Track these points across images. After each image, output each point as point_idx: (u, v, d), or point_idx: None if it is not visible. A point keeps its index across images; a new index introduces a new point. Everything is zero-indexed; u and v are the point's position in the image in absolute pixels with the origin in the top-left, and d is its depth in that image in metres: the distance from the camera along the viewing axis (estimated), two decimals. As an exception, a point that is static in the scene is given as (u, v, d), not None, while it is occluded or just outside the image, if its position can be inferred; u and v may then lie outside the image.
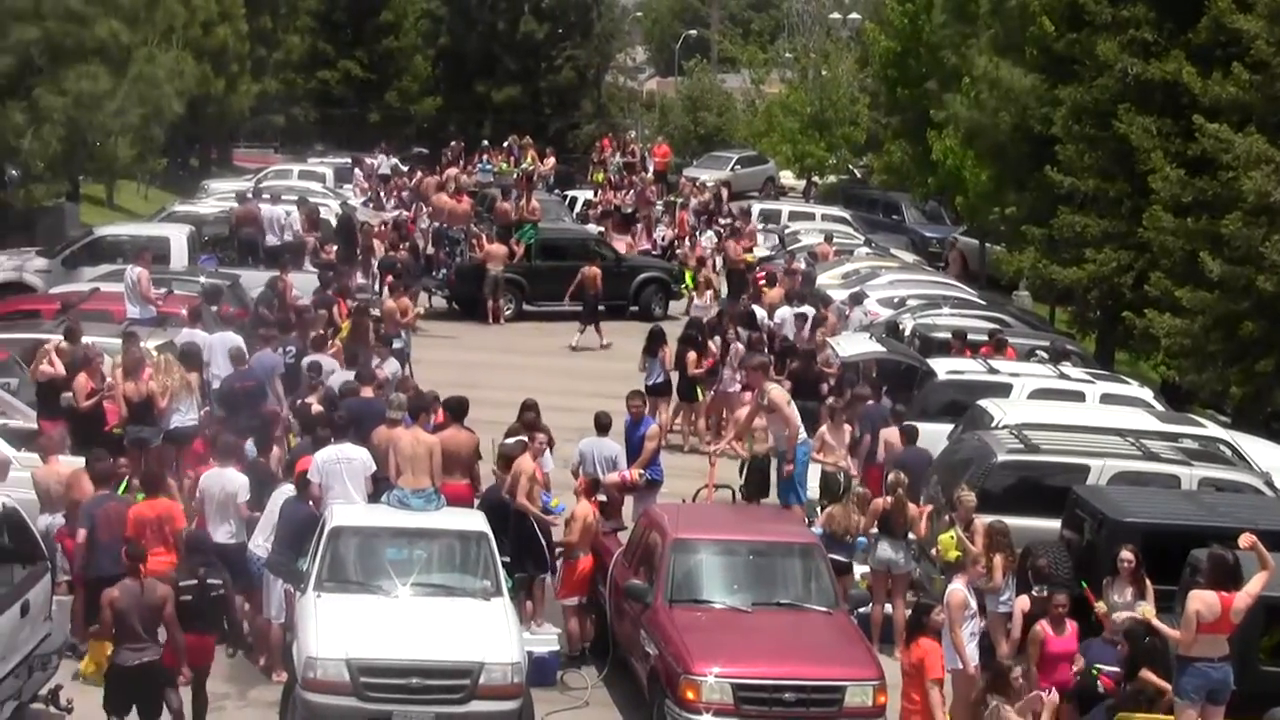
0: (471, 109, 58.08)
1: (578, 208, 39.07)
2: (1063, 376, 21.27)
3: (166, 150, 39.23)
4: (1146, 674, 12.43)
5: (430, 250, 31.09)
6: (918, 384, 20.95)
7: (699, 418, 22.29)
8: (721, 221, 36.96)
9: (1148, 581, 13.47)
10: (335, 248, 28.59)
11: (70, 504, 13.94)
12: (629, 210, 37.54)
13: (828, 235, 34.72)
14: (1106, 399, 20.49)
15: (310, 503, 14.00)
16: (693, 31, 71.99)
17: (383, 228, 31.84)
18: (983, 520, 14.58)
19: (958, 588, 13.15)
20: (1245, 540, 11.97)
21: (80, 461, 14.47)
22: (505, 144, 45.57)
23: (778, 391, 17.93)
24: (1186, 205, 23.81)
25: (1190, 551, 13.30)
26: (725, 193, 40.66)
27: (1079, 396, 20.31)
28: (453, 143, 46.40)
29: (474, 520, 13.93)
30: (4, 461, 14.97)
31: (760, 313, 24.76)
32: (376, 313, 22.60)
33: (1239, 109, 22.91)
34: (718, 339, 22.63)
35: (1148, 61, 25.89)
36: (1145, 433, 17.75)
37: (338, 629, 12.30)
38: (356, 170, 42.99)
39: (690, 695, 12.35)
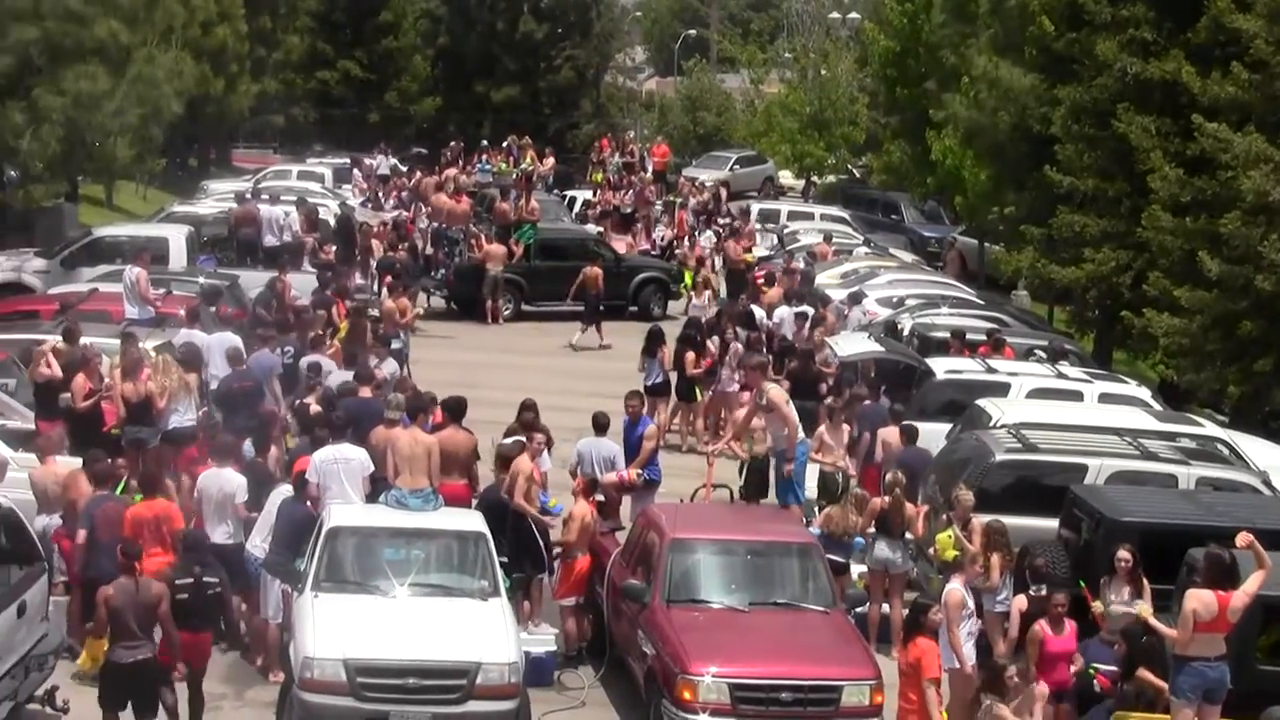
0: (471, 109, 58.10)
1: (577, 208, 39.08)
2: (1061, 376, 21.28)
3: (165, 151, 39.24)
4: (1144, 673, 12.43)
5: (429, 250, 31.12)
6: (916, 383, 20.96)
7: (697, 417, 22.30)
8: (720, 221, 36.97)
9: (1145, 581, 13.48)
10: (334, 248, 28.60)
11: (67, 504, 13.94)
12: (628, 210, 37.56)
13: (827, 235, 34.73)
14: (1104, 398, 20.49)
15: (308, 503, 14.00)
16: (692, 31, 72.01)
17: (382, 228, 31.85)
18: (980, 519, 14.58)
19: (955, 587, 13.15)
20: (1242, 539, 11.96)
21: (78, 462, 14.47)
22: (504, 144, 45.61)
23: (776, 391, 17.93)
24: (1185, 205, 23.81)
25: (1187, 551, 13.29)
26: (724, 193, 40.67)
27: (1077, 396, 20.31)
28: (452, 143, 46.44)
29: (472, 520, 13.92)
30: (1, 462, 14.96)
31: (759, 312, 24.77)
32: (374, 313, 22.61)
33: (1238, 108, 22.91)
34: (716, 339, 22.64)
35: (1147, 61, 25.89)
36: (1143, 432, 17.75)
37: (335, 629, 12.30)
38: (355, 171, 43.00)
39: (687, 695, 12.35)
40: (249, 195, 31.68)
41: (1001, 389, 20.08)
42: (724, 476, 17.85)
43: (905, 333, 24.52)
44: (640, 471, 16.62)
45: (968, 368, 21.20)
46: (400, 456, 14.47)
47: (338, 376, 18.01)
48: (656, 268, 32.28)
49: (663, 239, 35.80)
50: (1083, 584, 13.84)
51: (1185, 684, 11.86)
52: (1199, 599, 11.86)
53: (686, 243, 35.14)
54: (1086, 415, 18.87)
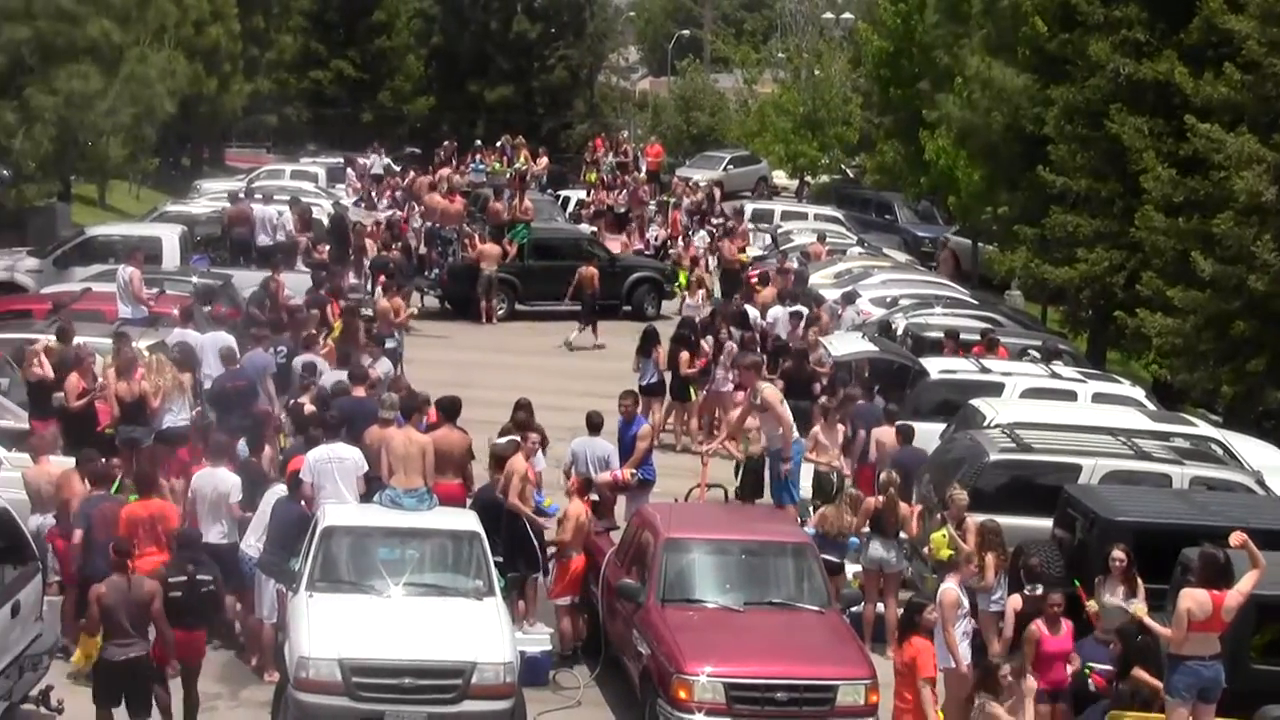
0: (464, 109, 58.08)
1: (570, 207, 39.07)
2: (1055, 376, 21.30)
3: (158, 150, 39.18)
4: (1139, 673, 12.44)
5: (423, 250, 31.09)
6: (910, 383, 20.98)
7: (692, 417, 22.31)
8: (714, 221, 36.97)
9: (1139, 580, 13.50)
10: (328, 248, 28.57)
11: (60, 504, 13.92)
12: (622, 210, 37.56)
13: (820, 235, 34.73)
14: (1098, 398, 20.51)
15: (302, 502, 13.98)
16: (685, 31, 72.00)
17: (375, 228, 31.84)
18: (975, 519, 14.59)
19: (950, 587, 13.15)
20: (1236, 539, 11.97)
21: (71, 462, 14.44)
22: (498, 144, 45.56)
23: (770, 390, 17.92)
24: (1178, 205, 23.85)
25: (1182, 550, 13.31)
26: (718, 193, 40.67)
27: (1071, 396, 20.34)
28: (445, 142, 46.39)
29: (467, 520, 13.91)
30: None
31: (753, 312, 24.78)
32: (368, 313, 22.60)
33: (1230, 109, 22.95)
34: (710, 338, 22.64)
35: (1139, 61, 25.93)
36: (1137, 432, 17.76)
37: (330, 629, 12.29)
38: (349, 170, 42.96)
39: (682, 694, 12.35)
40: (242, 195, 31.66)
41: (995, 389, 20.10)
42: (718, 476, 17.85)
43: (899, 333, 24.53)
44: (634, 471, 16.62)
45: (962, 368, 21.22)
46: (395, 456, 14.46)
47: (330, 376, 18.01)
48: (650, 268, 32.29)
49: (656, 239, 35.80)
50: (1077, 583, 13.85)
51: (1180, 683, 11.87)
52: (1193, 598, 11.87)
53: (681, 243, 35.15)
54: (1080, 415, 18.89)
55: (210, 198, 35.04)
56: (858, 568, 15.79)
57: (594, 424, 16.50)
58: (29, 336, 18.41)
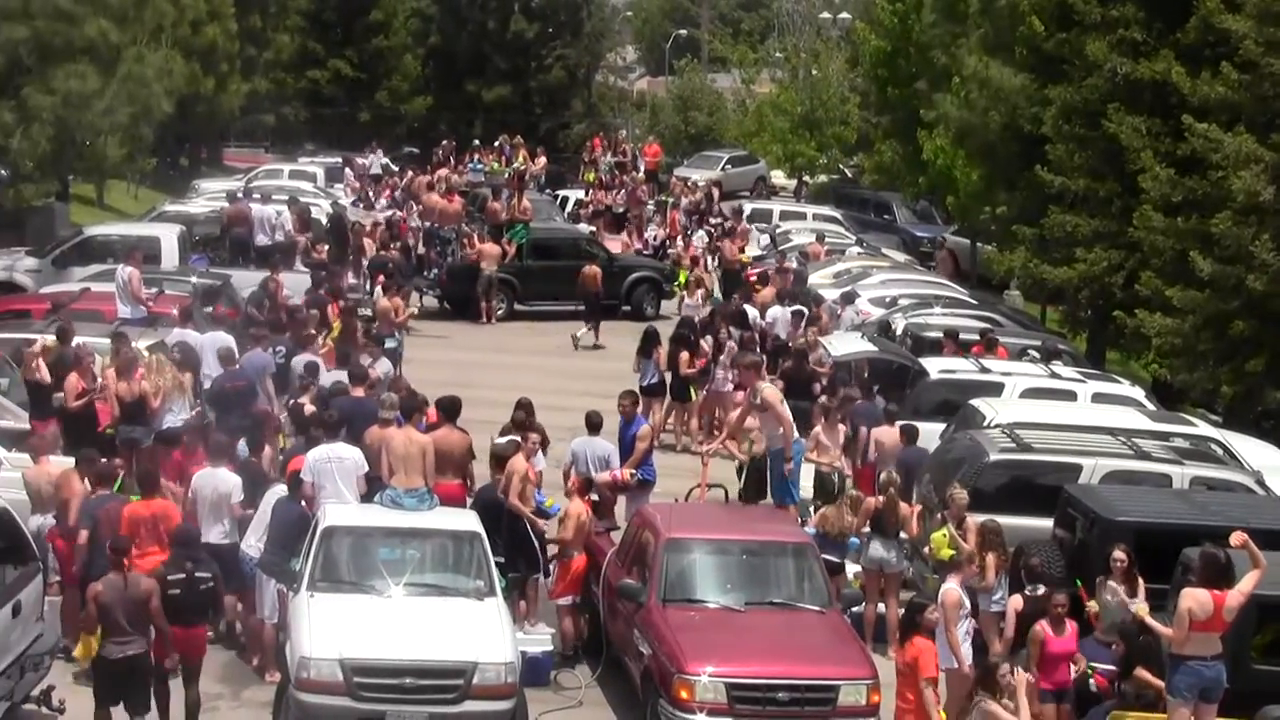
0: (462, 108, 58.06)
1: (569, 207, 39.08)
2: (1054, 376, 21.31)
3: (156, 150, 39.15)
4: (1141, 673, 12.45)
5: (422, 250, 31.08)
6: (910, 383, 20.98)
7: (691, 417, 22.30)
8: (713, 221, 36.97)
9: (1140, 580, 13.50)
10: (326, 248, 28.56)
11: (60, 504, 13.90)
12: (620, 210, 37.55)
13: (819, 235, 34.72)
14: (1098, 398, 20.52)
15: (302, 503, 13.98)
16: (683, 31, 71.99)
17: (374, 228, 31.83)
18: (975, 519, 14.59)
19: (952, 587, 13.15)
20: (1237, 539, 11.98)
21: (71, 462, 14.43)
22: (496, 143, 45.56)
23: (770, 390, 17.91)
24: (1176, 205, 23.86)
25: (1182, 550, 13.32)
26: (716, 192, 40.66)
27: (1070, 396, 20.34)
28: (444, 142, 46.39)
29: (467, 520, 13.91)
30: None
31: (752, 312, 24.77)
32: (367, 312, 22.59)
33: (1228, 109, 22.96)
34: (710, 338, 22.63)
35: (1137, 61, 25.94)
36: (1137, 432, 17.78)
37: (331, 629, 12.28)
38: (347, 170, 42.94)
39: (684, 694, 12.34)
40: (240, 194, 31.65)
41: (995, 389, 20.10)
42: (719, 476, 17.84)
43: (899, 332, 24.54)
44: (634, 471, 16.61)
45: (961, 367, 21.23)
46: (395, 456, 14.45)
47: (328, 376, 17.99)
48: (649, 267, 32.28)
49: (655, 239, 35.79)
50: (1079, 583, 13.86)
51: (1181, 683, 11.88)
52: (1194, 598, 11.88)
53: (679, 242, 35.15)
54: (1080, 415, 18.90)
55: (208, 197, 35.03)
56: (858, 568, 15.79)
57: (594, 424, 16.50)
58: (28, 336, 18.39)
